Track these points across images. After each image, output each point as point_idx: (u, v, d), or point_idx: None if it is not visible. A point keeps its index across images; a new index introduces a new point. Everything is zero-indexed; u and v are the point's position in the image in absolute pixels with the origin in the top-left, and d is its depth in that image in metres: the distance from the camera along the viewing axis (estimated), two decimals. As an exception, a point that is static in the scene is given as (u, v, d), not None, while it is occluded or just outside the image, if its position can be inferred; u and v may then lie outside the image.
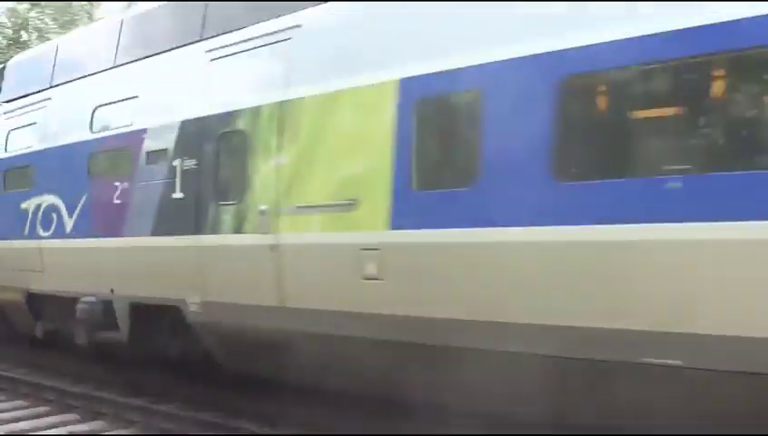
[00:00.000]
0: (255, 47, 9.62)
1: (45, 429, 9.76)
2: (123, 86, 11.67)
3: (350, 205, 8.05)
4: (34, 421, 10.23)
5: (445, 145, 8.00)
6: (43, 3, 45.61)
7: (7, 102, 14.40)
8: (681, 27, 6.03)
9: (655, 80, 6.55)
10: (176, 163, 10.26)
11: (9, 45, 44.41)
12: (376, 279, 7.87)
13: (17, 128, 13.93)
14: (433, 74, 7.57)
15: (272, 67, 9.35)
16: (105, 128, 11.93)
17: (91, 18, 44.83)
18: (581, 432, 6.86)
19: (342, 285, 8.26)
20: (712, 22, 5.87)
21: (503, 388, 7.13)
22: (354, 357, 8.55)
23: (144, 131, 10.93)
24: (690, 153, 6.21)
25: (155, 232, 10.57)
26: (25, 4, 46.16)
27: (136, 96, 11.33)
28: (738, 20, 5.75)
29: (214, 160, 9.87)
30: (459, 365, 7.14)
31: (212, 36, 10.32)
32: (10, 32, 45.88)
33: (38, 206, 12.98)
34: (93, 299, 11.48)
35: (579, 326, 6.35)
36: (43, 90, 13.51)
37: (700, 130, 6.28)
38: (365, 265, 7.95)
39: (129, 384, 11.59)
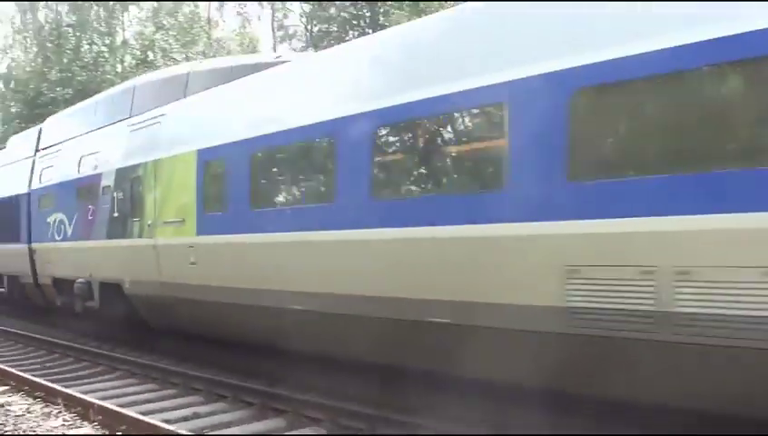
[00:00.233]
0: (146, 126, 14.27)
1: (172, 409, 9.85)
2: (93, 145, 16.38)
3: (182, 222, 12.62)
4: (163, 402, 10.40)
5: (216, 187, 12.20)
6: (167, 24, 47.63)
7: (44, 148, 19.45)
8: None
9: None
10: (114, 194, 14.91)
11: (138, 65, 46.05)
12: (195, 264, 12.28)
13: (45, 168, 18.74)
14: (211, 147, 12.17)
15: (151, 139, 13.99)
16: (85, 171, 16.43)
17: (209, 38, 47.01)
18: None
19: (183, 267, 12.58)
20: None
21: (268, 330, 11.47)
22: (194, 310, 13.06)
23: (101, 174, 15.53)
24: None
25: (107, 237, 15.14)
26: (151, 28, 48.55)
27: (98, 151, 15.97)
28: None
29: (130, 193, 14.34)
30: (249, 315, 11.47)
31: (132, 116, 15.02)
32: (138, 52, 47.78)
33: (54, 220, 17.68)
34: (82, 280, 15.84)
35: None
36: (56, 144, 18.75)
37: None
38: (189, 256, 12.35)
39: (247, 370, 11.56)
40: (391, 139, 9.49)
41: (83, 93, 44.94)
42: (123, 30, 51.25)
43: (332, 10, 44.45)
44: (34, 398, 10.74)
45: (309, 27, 46.92)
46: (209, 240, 12.08)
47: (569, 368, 7.13)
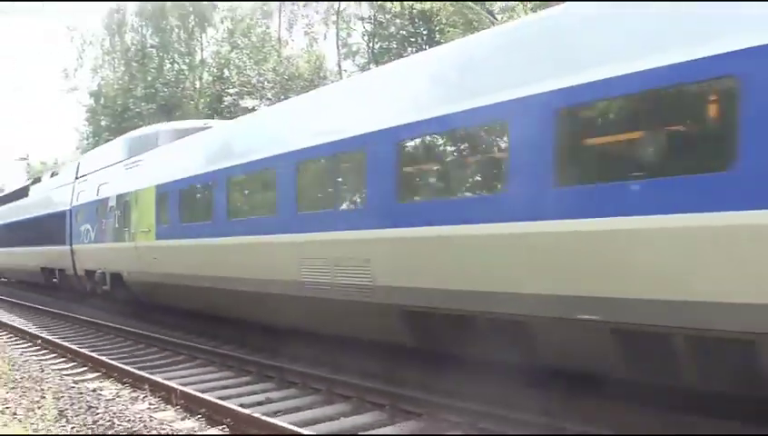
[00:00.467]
0: (133, 166, 18.90)
1: (247, 394, 9.91)
2: (105, 177, 20.92)
3: (149, 231, 16.97)
4: (239, 388, 10.47)
5: (164, 209, 16.41)
6: (241, 44, 47.82)
7: (79, 177, 24.03)
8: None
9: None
10: (116, 212, 19.19)
11: (214, 81, 46.99)
12: (156, 258, 16.60)
13: (80, 191, 23.21)
14: (161, 184, 16.51)
15: (134, 176, 18.52)
16: (100, 195, 20.78)
17: (279, 56, 46.63)
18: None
19: (152, 262, 16.85)
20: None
21: (198, 301, 15.97)
22: (159, 289, 17.60)
23: (108, 198, 19.95)
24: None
25: (112, 241, 19.48)
26: (227, 47, 48.71)
27: (108, 182, 20.53)
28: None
29: (123, 211, 18.73)
30: (186, 291, 15.66)
31: (127, 159, 19.46)
32: (215, 70, 48.33)
33: (84, 228, 22.03)
34: (100, 271, 20.40)
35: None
36: (86, 174, 23.37)
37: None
38: (154, 254, 16.71)
39: (313, 359, 11.56)
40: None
41: (166, 107, 45.98)
42: (202, 50, 51.89)
43: (392, 29, 44.52)
44: (123, 383, 10.94)
45: (370, 45, 46.98)
46: (161, 243, 16.42)
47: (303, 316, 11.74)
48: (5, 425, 8.28)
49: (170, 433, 5.76)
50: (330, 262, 10.34)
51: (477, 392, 8.19)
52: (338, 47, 49.01)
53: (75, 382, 11.03)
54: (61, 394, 9.84)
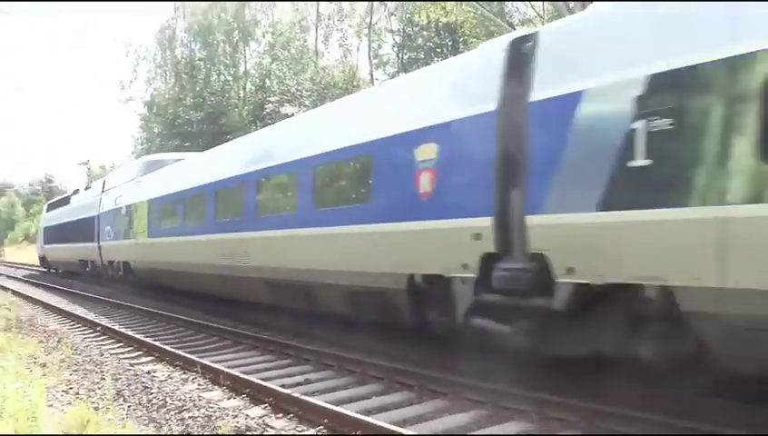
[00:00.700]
0: (137, 184, 23.68)
1: (288, 376, 9.65)
2: (120, 192, 25.41)
3: (144, 231, 21.50)
4: (280, 370, 10.24)
5: (153, 215, 20.78)
6: (281, 55, 48.16)
7: (104, 191, 28.52)
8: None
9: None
10: (126, 216, 23.66)
11: (257, 91, 47.39)
12: (148, 251, 21.41)
13: (104, 201, 27.44)
14: (152, 199, 21.08)
15: (137, 191, 23.24)
16: (117, 205, 25.18)
17: (316, 66, 46.75)
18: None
19: (147, 254, 21.66)
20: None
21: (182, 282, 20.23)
22: (153, 274, 22.09)
23: (122, 207, 24.49)
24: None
25: (123, 238, 24.08)
26: (268, 59, 49.35)
27: (122, 195, 24.90)
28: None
29: (130, 216, 23.26)
30: (167, 273, 20.58)
31: (136, 178, 24.35)
32: (257, 80, 48.64)
33: (107, 229, 26.43)
34: (117, 261, 25.30)
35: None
36: (108, 189, 28.05)
37: None
38: (148, 247, 21.33)
39: (348, 345, 11.31)
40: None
41: (213, 115, 46.36)
42: (245, 62, 52.28)
43: (419, 40, 44.47)
44: (174, 366, 10.98)
45: (400, 55, 46.98)
46: (156, 240, 20.80)
47: (218, 285, 17.01)
48: (69, 403, 8.41)
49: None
50: (229, 252, 15.17)
51: (499, 375, 8.13)
52: (370, 58, 49.12)
53: (132, 365, 11.13)
54: (119, 376, 9.95)
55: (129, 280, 24.03)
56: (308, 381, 9.58)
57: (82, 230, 30.11)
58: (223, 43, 51.23)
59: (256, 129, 28.41)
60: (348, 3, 51.44)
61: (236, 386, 9.04)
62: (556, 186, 7.43)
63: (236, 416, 7.59)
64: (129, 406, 8.29)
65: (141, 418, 7.86)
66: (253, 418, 7.57)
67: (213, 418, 7.54)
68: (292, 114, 38.73)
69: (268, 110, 45.11)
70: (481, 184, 8.37)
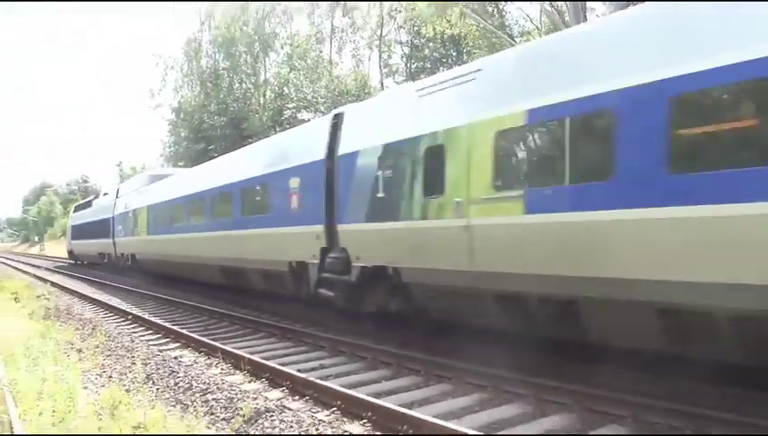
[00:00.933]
0: (142, 194, 26.84)
1: (304, 362, 9.69)
2: (129, 199, 28.83)
3: (145, 230, 24.97)
4: (297, 356, 10.24)
5: (153, 217, 24.10)
6: (298, 65, 47.77)
7: (118, 197, 32.35)
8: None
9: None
10: (133, 219, 26.89)
11: (276, 98, 47.34)
12: (149, 244, 24.70)
13: (118, 205, 30.75)
14: (151, 204, 24.73)
15: (142, 198, 26.18)
16: (126, 209, 28.49)
17: (330, 75, 46.89)
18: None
19: (146, 248, 25.19)
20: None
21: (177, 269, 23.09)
22: (154, 264, 25.20)
23: (128, 211, 27.93)
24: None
25: (131, 235, 27.42)
26: (286, 69, 48.98)
27: (129, 202, 28.22)
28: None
29: (135, 219, 26.58)
30: (163, 265, 23.94)
31: (140, 188, 28.24)
32: (276, 88, 48.67)
33: (120, 228, 29.79)
34: (127, 254, 28.49)
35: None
36: (121, 196, 31.65)
37: None
38: (149, 242, 24.64)
39: (359, 332, 11.41)
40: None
41: (235, 120, 46.44)
42: (265, 71, 52.27)
43: (426, 51, 44.43)
44: (199, 352, 11.01)
45: (408, 65, 46.92)
46: (152, 237, 24.26)
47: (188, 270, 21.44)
48: (103, 386, 8.46)
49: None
50: (197, 247, 19.15)
51: (499, 361, 8.12)
52: (380, 67, 49.13)
53: (160, 351, 11.18)
54: (148, 361, 10.02)
55: (135, 267, 27.79)
56: (322, 367, 9.59)
57: (100, 228, 33.95)
58: (245, 54, 51.22)
59: (275, 133, 28.46)
60: (361, 17, 51.52)
61: (256, 371, 9.05)
62: (349, 207, 11.36)
63: (256, 398, 7.60)
64: (157, 388, 8.33)
65: (168, 400, 7.90)
66: (272, 400, 7.58)
67: (235, 400, 7.56)
68: (309, 120, 38.72)
69: (286, 115, 45.15)
70: (318, 204, 12.14)
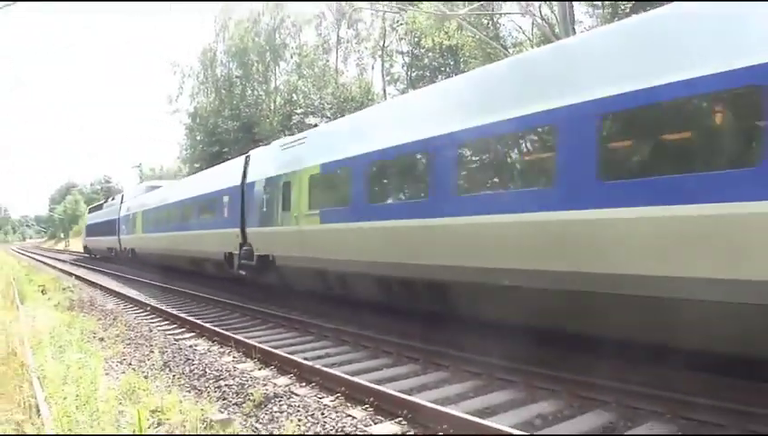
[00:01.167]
0: (136, 202, 31.49)
1: (310, 351, 9.65)
2: (129, 204, 33.34)
3: (140, 229, 29.33)
4: (304, 345, 10.23)
5: (147, 220, 28.22)
6: (306, 73, 47.71)
7: (122, 202, 36.18)
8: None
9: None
10: (131, 221, 31.48)
11: (285, 104, 46.91)
12: (142, 239, 29.20)
13: (122, 208, 34.65)
14: (144, 210, 29.02)
15: (139, 204, 30.55)
16: (126, 212, 33.22)
17: (336, 83, 46.60)
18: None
19: (142, 243, 29.31)
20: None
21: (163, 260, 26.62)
22: (147, 256, 29.19)
23: (129, 214, 32.26)
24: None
25: (128, 234, 32.62)
26: (295, 76, 48.98)
27: (129, 207, 32.59)
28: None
29: (133, 221, 30.82)
30: (156, 257, 27.59)
31: (136, 196, 33.34)
32: (286, 95, 48.20)
33: (123, 227, 33.54)
34: (128, 248, 32.30)
35: None
36: (124, 202, 35.97)
37: None
38: (142, 239, 29.19)
39: (362, 323, 11.32)
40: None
41: (247, 125, 46.43)
42: (275, 79, 52.23)
43: (425, 60, 44.35)
44: (213, 341, 11.05)
45: (408, 73, 46.87)
46: (146, 235, 28.18)
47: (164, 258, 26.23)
48: (123, 372, 8.46)
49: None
50: (171, 242, 23.93)
51: (493, 350, 8.12)
52: (383, 75, 49.05)
53: (176, 340, 11.21)
54: (165, 349, 10.04)
55: (135, 259, 31.67)
56: (327, 355, 9.60)
57: (109, 227, 37.90)
58: (257, 63, 51.17)
59: (285, 136, 28.57)
60: (365, 29, 51.56)
61: (266, 359, 9.07)
62: (251, 216, 16.00)
63: (265, 384, 7.62)
64: (174, 375, 8.32)
65: (184, 385, 7.90)
66: (280, 386, 7.60)
67: (246, 386, 7.57)
68: (316, 124, 38.69)
69: (295, 120, 45.12)
70: (237, 214, 16.84)
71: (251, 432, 6.11)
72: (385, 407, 6.46)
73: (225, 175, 18.66)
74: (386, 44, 48.69)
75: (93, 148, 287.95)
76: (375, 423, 6.14)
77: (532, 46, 29.15)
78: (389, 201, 10.34)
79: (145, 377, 7.92)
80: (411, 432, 5.90)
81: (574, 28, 21.44)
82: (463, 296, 8.88)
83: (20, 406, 6.35)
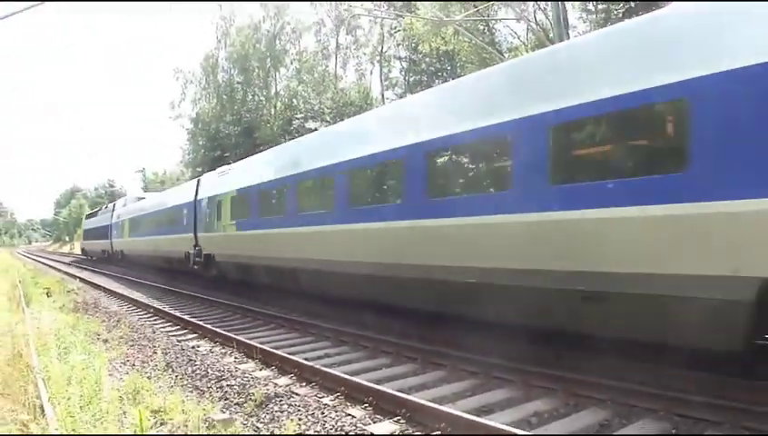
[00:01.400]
0: (126, 208, 35.29)
1: (310, 351, 9.64)
2: (120, 211, 36.87)
3: (129, 233, 33.06)
4: (303, 346, 10.18)
5: (131, 227, 32.62)
6: (306, 79, 47.89)
7: (113, 210, 39.93)
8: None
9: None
10: (121, 226, 34.93)
11: (285, 109, 46.78)
12: (129, 243, 33.01)
13: (114, 215, 38.12)
14: (130, 218, 33.12)
15: (128, 211, 34.13)
16: (117, 219, 36.88)
17: (335, 88, 46.62)
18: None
19: (129, 246, 33.15)
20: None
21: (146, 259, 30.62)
22: (134, 257, 32.70)
23: (120, 221, 35.69)
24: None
25: (121, 237, 35.45)
26: (295, 82, 49.13)
27: (120, 214, 36.07)
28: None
29: (122, 227, 34.65)
30: (139, 258, 31.63)
31: (126, 205, 36.54)
32: (286, 100, 48.36)
33: (114, 232, 37.53)
34: (118, 250, 36.22)
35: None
36: (114, 210, 39.89)
37: None
38: (129, 242, 32.93)
39: (360, 323, 11.23)
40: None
41: (248, 129, 46.45)
42: (276, 84, 52.30)
43: (423, 65, 44.40)
44: (215, 342, 11.03)
45: (406, 78, 46.95)
46: (131, 239, 32.10)
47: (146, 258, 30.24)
48: (127, 373, 8.44)
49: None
50: (149, 244, 28.04)
51: (487, 349, 8.10)
52: (381, 80, 49.16)
53: (179, 341, 11.18)
54: (168, 350, 10.02)
55: (123, 260, 35.34)
56: (327, 355, 9.58)
57: (102, 232, 41.96)
58: (258, 69, 51.25)
59: (285, 141, 28.57)
60: (363, 35, 51.63)
61: (267, 359, 9.05)
62: (200, 224, 20.34)
63: (266, 384, 7.60)
64: (176, 376, 8.31)
65: (186, 386, 7.88)
66: (281, 386, 7.58)
67: (247, 386, 7.55)
68: (316, 129, 38.72)
69: (295, 125, 45.08)
70: (191, 223, 21.10)
71: (252, 432, 6.09)
72: (384, 406, 6.45)
73: (185, 192, 23.28)
74: (384, 50, 48.80)
75: (96, 150, 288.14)
76: (374, 422, 6.12)
77: (527, 50, 29.18)
78: (267, 217, 15.09)
79: (148, 378, 7.88)
80: (410, 431, 5.88)
81: (568, 33, 21.44)
82: (299, 277, 13.68)
83: (25, 406, 6.34)
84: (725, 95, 5.57)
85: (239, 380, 7.89)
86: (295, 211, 13.24)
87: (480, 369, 7.89)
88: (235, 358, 9.58)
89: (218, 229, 18.30)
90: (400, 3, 38.18)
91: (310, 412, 6.41)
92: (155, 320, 14.43)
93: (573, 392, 6.79)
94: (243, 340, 10.34)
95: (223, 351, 10.23)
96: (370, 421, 6.14)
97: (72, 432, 5.34)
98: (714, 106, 5.61)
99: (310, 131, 29.68)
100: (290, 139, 29.56)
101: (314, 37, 52.85)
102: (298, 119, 45.19)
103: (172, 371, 8.65)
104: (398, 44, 46.91)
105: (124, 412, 6.09)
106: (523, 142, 7.35)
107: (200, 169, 47.24)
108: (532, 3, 30.53)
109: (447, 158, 9.05)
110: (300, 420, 6.19)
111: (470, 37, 28.90)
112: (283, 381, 7.93)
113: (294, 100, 46.85)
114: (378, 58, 49.40)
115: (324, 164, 11.97)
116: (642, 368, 6.86)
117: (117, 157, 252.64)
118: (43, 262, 51.17)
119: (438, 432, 5.66)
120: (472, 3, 27.06)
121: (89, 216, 54.87)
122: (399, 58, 48.72)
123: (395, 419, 6.13)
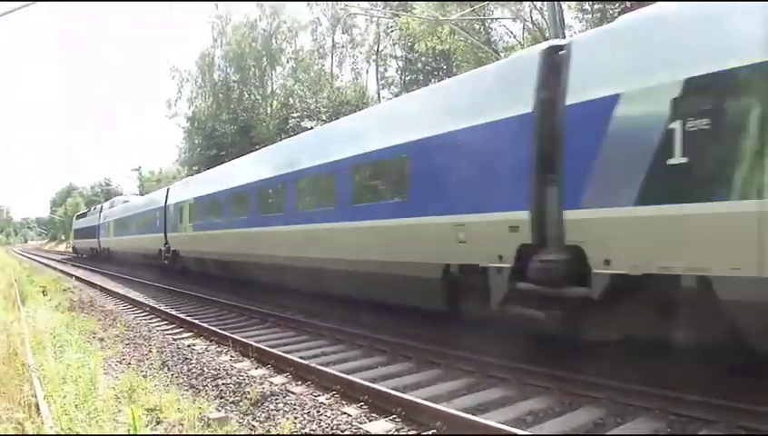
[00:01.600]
0: (111, 210, 38.36)
1: (306, 350, 9.60)
2: (109, 212, 39.07)
3: (113, 233, 36.63)
4: (299, 345, 10.16)
5: (120, 226, 34.88)
6: (302, 78, 47.62)
7: (101, 212, 43.01)
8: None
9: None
10: (109, 226, 37.94)
11: (281, 108, 46.96)
12: (120, 242, 34.53)
13: (101, 216, 41.33)
14: (116, 219, 36.46)
15: (119, 211, 35.71)
16: (105, 220, 39.70)
17: (331, 87, 46.53)
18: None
19: (114, 244, 36.46)
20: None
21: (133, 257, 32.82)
22: (118, 254, 35.71)
23: (108, 221, 38.07)
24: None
25: (107, 236, 38.35)
26: (291, 81, 48.93)
27: (107, 216, 39.14)
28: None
29: (114, 227, 36.46)
30: (122, 256, 34.99)
31: (112, 207, 40.08)
32: (282, 99, 48.32)
33: (102, 231, 40.45)
34: (106, 248, 38.83)
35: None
36: (102, 211, 42.65)
37: None
38: (114, 242, 36.58)
39: (356, 322, 11.28)
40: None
41: (244, 128, 46.36)
42: (272, 83, 52.20)
43: (419, 64, 44.39)
44: (210, 341, 11.00)
45: (402, 77, 46.91)
46: (115, 238, 35.31)
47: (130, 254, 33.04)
48: (123, 372, 8.41)
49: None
50: (132, 242, 31.19)
51: (486, 349, 8.10)
52: (377, 79, 49.09)
53: (174, 340, 11.15)
54: (164, 349, 9.99)
55: (110, 257, 37.95)
56: (323, 354, 9.56)
57: (91, 231, 44.87)
58: (254, 67, 51.10)
59: (281, 139, 28.41)
60: (359, 34, 51.54)
61: (262, 358, 9.03)
62: (168, 224, 23.86)
63: (262, 383, 7.58)
64: (172, 374, 8.28)
65: (182, 384, 7.86)
66: (277, 385, 7.56)
67: (243, 385, 7.53)
68: (311, 127, 38.67)
69: (291, 124, 45.07)
70: (162, 224, 24.38)
71: (247, 431, 6.07)
72: (379, 404, 6.44)
73: (158, 198, 26.69)
74: (380, 49, 48.74)
75: (92, 149, 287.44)
76: (370, 420, 6.11)
77: (523, 47, 29.18)
78: (213, 220, 18.87)
79: (144, 376, 7.85)
80: (405, 429, 5.87)
81: (564, 32, 21.47)
82: (233, 268, 18.06)
83: (20, 405, 6.30)
84: (425, 152, 8.98)
85: (234, 378, 7.86)
86: (229, 217, 17.53)
87: (475, 367, 7.90)
88: (231, 356, 9.55)
89: (181, 230, 22.18)
90: (396, 2, 38.20)
91: (305, 411, 6.40)
92: (151, 318, 14.39)
93: (568, 391, 6.80)
94: (239, 338, 10.31)
95: (219, 349, 10.20)
96: (366, 420, 6.13)
97: (67, 431, 5.31)
98: (419, 159, 9.10)
99: (306, 129, 29.65)
100: (285, 138, 29.76)
101: (310, 36, 52.64)
102: (294, 118, 45.18)
103: (168, 369, 8.62)
104: (395, 44, 46.83)
105: (120, 411, 6.06)
106: (341, 175, 11.45)
107: (196, 168, 47.16)
108: (528, 3, 30.58)
109: (305, 184, 13.28)
110: (295, 418, 6.18)
111: (466, 37, 28.90)
112: (279, 379, 7.92)
113: (290, 99, 46.76)
114: (374, 57, 49.33)
115: (240, 184, 16.90)
116: (637, 367, 6.87)
117: (113, 156, 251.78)
118: (38, 261, 51.02)
119: (434, 431, 5.65)
120: (468, 2, 27.04)
121: (79, 217, 58.82)
122: (395, 57, 48.70)
123: (391, 417, 6.13)
